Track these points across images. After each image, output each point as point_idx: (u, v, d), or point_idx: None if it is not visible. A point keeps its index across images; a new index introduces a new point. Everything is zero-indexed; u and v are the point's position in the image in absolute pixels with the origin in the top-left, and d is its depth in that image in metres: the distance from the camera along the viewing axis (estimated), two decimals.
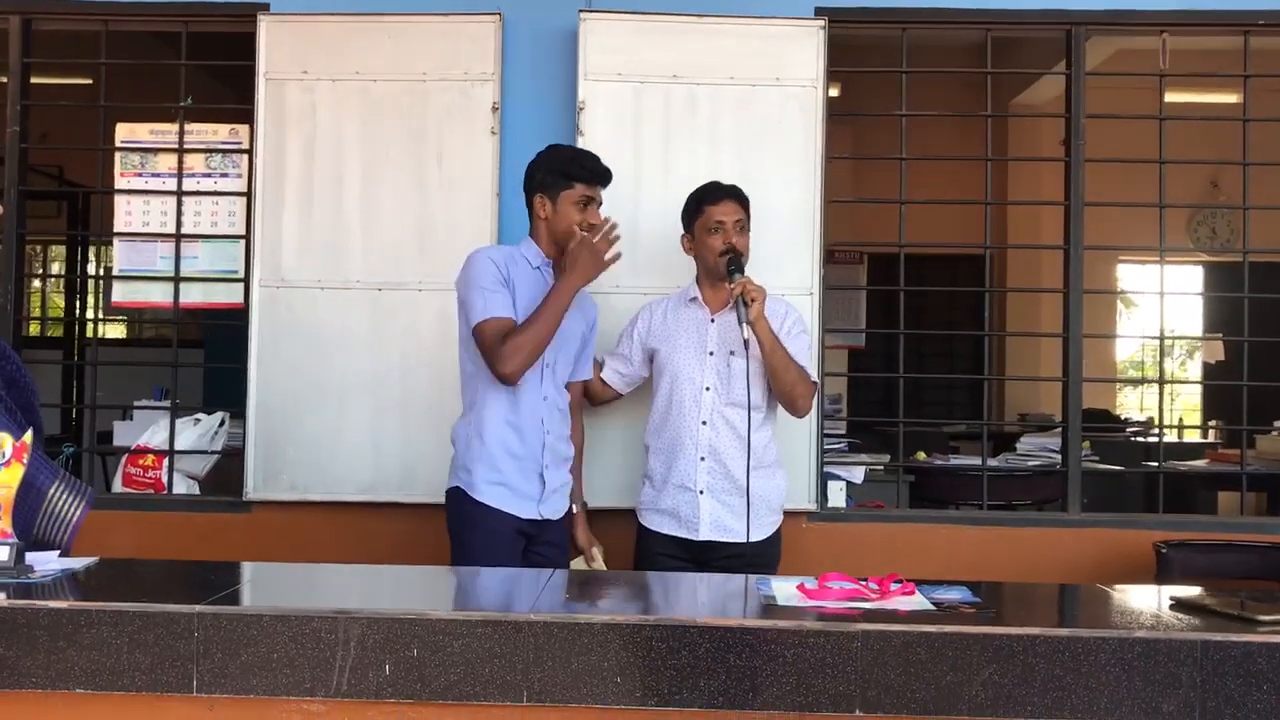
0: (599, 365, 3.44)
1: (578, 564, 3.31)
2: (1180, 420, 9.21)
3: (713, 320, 3.31)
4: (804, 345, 3.32)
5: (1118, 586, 2.23)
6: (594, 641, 1.75)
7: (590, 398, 3.46)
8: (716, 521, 3.22)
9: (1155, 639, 1.74)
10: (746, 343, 3.08)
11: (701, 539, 3.22)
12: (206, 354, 5.90)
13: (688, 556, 3.23)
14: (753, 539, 3.16)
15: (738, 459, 3.18)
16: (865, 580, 1.99)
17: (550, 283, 3.10)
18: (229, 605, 1.79)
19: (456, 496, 3.09)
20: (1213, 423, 7.53)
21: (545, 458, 3.10)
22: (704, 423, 3.24)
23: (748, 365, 3.13)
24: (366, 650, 1.75)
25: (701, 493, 3.23)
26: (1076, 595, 2.32)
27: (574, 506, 3.29)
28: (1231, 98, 6.86)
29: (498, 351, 2.94)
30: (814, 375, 3.37)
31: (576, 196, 3.10)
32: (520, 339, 2.95)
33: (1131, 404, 11.41)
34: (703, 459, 3.24)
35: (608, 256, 3.05)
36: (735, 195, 3.32)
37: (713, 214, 3.28)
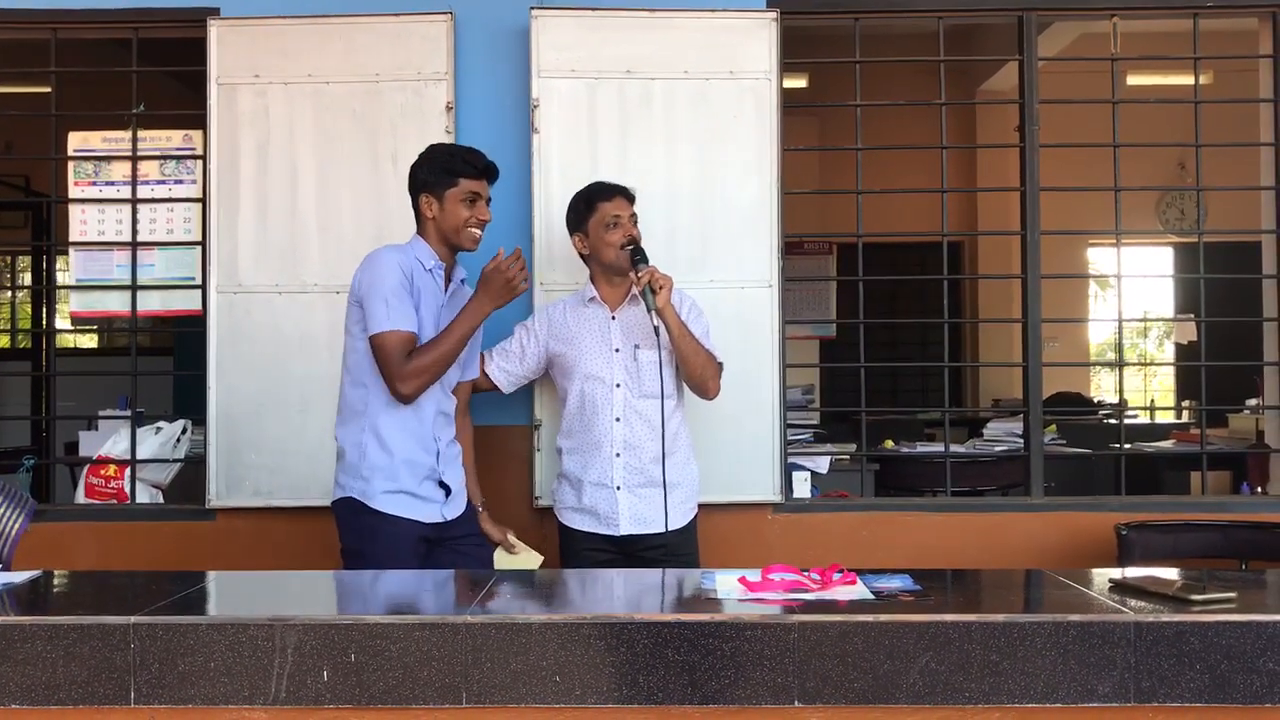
0: (483, 360, 3.40)
1: (500, 555, 3.27)
2: (1152, 402, 9.25)
3: (613, 317, 3.32)
4: (703, 328, 3.32)
5: (1067, 571, 2.24)
6: (532, 641, 1.76)
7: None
8: (635, 515, 3.23)
9: (1089, 622, 1.75)
10: (656, 329, 3.10)
11: (622, 533, 3.24)
12: (175, 362, 5.87)
13: (612, 550, 3.25)
14: (672, 527, 3.20)
15: (652, 450, 3.22)
16: (807, 571, 1.99)
17: (440, 289, 3.06)
18: (165, 615, 1.78)
19: (350, 507, 2.96)
20: (1184, 404, 7.57)
21: (441, 464, 3.05)
22: (617, 419, 3.25)
23: (659, 355, 3.19)
24: (304, 656, 1.74)
25: (619, 489, 3.25)
26: (1020, 580, 2.34)
27: (478, 506, 3.26)
28: (1187, 79, 6.94)
29: (400, 369, 2.86)
30: (719, 357, 3.34)
31: (463, 193, 3.02)
32: (424, 361, 2.89)
33: (1107, 386, 11.49)
34: (618, 455, 3.25)
35: (520, 285, 2.99)
36: (624, 192, 3.33)
37: (607, 210, 3.28)
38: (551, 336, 3.37)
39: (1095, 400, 8.03)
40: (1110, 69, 4.02)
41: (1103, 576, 2.12)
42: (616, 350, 3.28)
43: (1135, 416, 7.51)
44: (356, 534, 2.95)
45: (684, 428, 3.37)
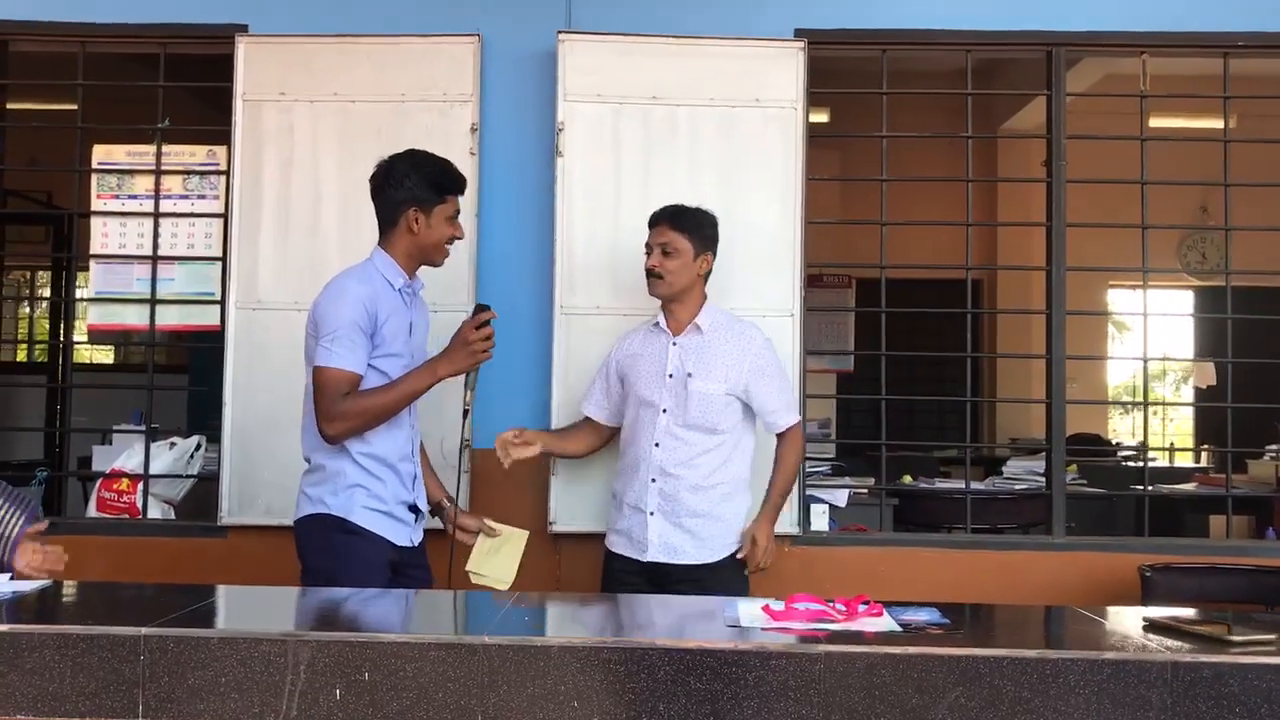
0: (578, 427, 3.46)
1: (483, 542, 3.16)
2: (1171, 445, 9.16)
3: (674, 343, 3.29)
4: (775, 386, 3.30)
5: (1094, 609, 2.18)
6: (550, 665, 1.71)
7: (594, 448, 3.47)
8: (665, 543, 3.19)
9: (1125, 660, 1.70)
10: None
11: (649, 559, 3.19)
12: (191, 377, 5.86)
13: (641, 577, 3.21)
14: (702, 561, 3.16)
15: (690, 480, 3.19)
16: (832, 601, 1.95)
17: (407, 305, 2.92)
18: (176, 628, 1.74)
19: (322, 524, 2.82)
20: (1203, 447, 7.49)
21: (415, 488, 2.99)
22: (656, 444, 3.22)
23: (717, 388, 3.19)
24: (317, 674, 1.70)
25: (651, 514, 3.21)
26: (1049, 617, 2.28)
27: (444, 501, 3.12)
28: (1218, 122, 6.92)
29: (331, 409, 2.73)
30: (794, 412, 3.36)
31: (450, 210, 2.92)
32: (358, 405, 2.75)
33: (1123, 429, 11.39)
34: (653, 480, 3.22)
35: (481, 356, 2.87)
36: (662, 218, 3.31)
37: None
38: (620, 362, 3.38)
39: (1114, 442, 7.95)
40: (1139, 105, 3.99)
41: (1134, 614, 2.06)
42: (670, 376, 3.26)
43: (1155, 459, 7.43)
44: (328, 553, 2.81)
45: (734, 464, 3.29)
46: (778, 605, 1.93)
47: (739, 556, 3.21)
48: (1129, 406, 11.57)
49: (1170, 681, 1.67)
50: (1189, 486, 5.54)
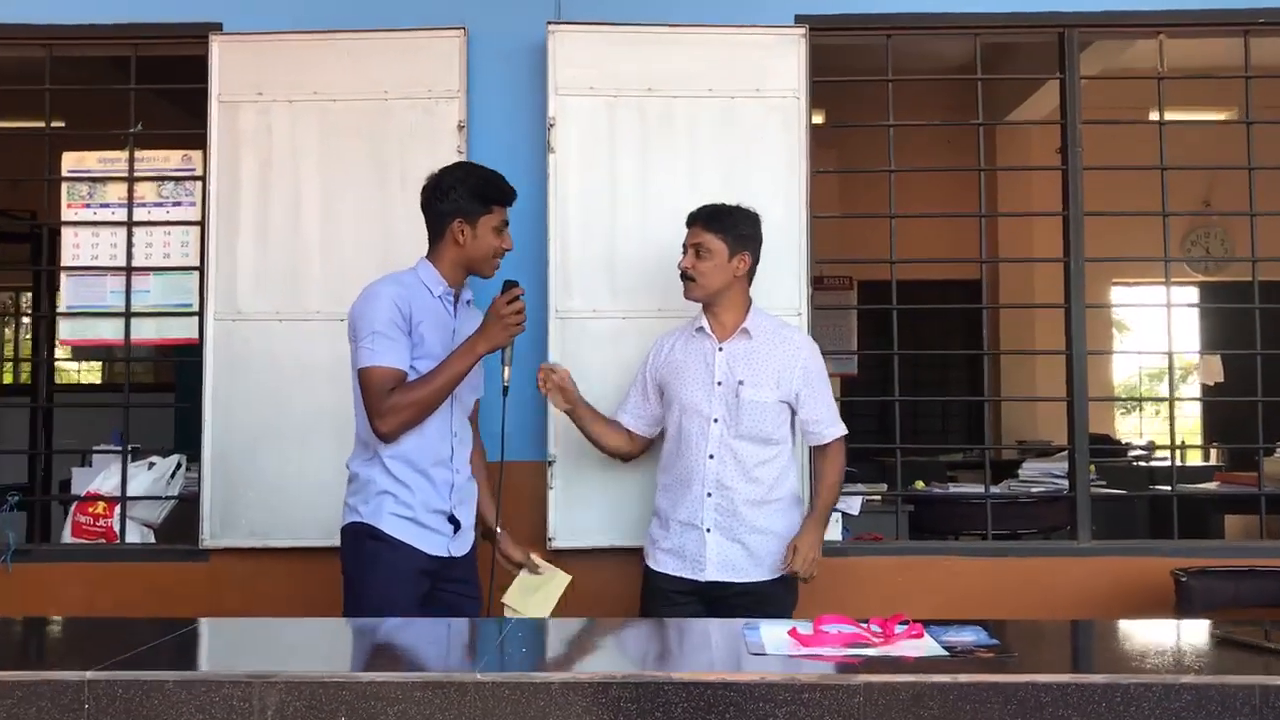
0: (616, 421, 3.24)
1: (523, 579, 3.06)
2: (1183, 442, 8.98)
3: (720, 349, 3.10)
4: (824, 396, 3.15)
5: (1147, 622, 1.99)
6: (552, 704, 1.51)
7: (621, 452, 3.26)
8: (724, 560, 3.02)
9: (1205, 685, 1.50)
10: None
11: (707, 579, 3.02)
12: (177, 394, 5.67)
13: (695, 596, 3.04)
14: (760, 579, 3.01)
15: (746, 493, 3.03)
16: (866, 622, 1.75)
17: (450, 313, 2.90)
18: (126, 671, 1.54)
19: (354, 533, 2.80)
20: (1217, 443, 7.31)
21: (454, 497, 2.87)
22: (711, 456, 3.04)
23: (769, 396, 3.04)
24: (286, 719, 1.50)
25: (709, 530, 3.03)
26: (1105, 633, 2.06)
27: (497, 529, 3.05)
28: (1223, 115, 6.77)
29: (380, 405, 2.72)
30: (840, 424, 3.20)
31: (496, 221, 2.88)
32: (406, 398, 2.73)
33: (1129, 429, 11.20)
34: (709, 494, 3.04)
35: (514, 328, 2.82)
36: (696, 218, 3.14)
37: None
38: (659, 368, 3.19)
39: (1123, 442, 7.78)
40: (1146, 93, 3.82)
41: (1201, 629, 1.86)
42: (719, 384, 3.07)
43: (1166, 458, 7.24)
44: (358, 561, 2.79)
45: (789, 476, 3.15)
46: (805, 628, 1.73)
47: (785, 570, 3.03)
48: (1129, 404, 11.46)
49: (1259, 707, 1.47)
50: (1211, 485, 5.34)
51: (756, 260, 3.14)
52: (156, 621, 2.05)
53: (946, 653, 1.65)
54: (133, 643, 1.80)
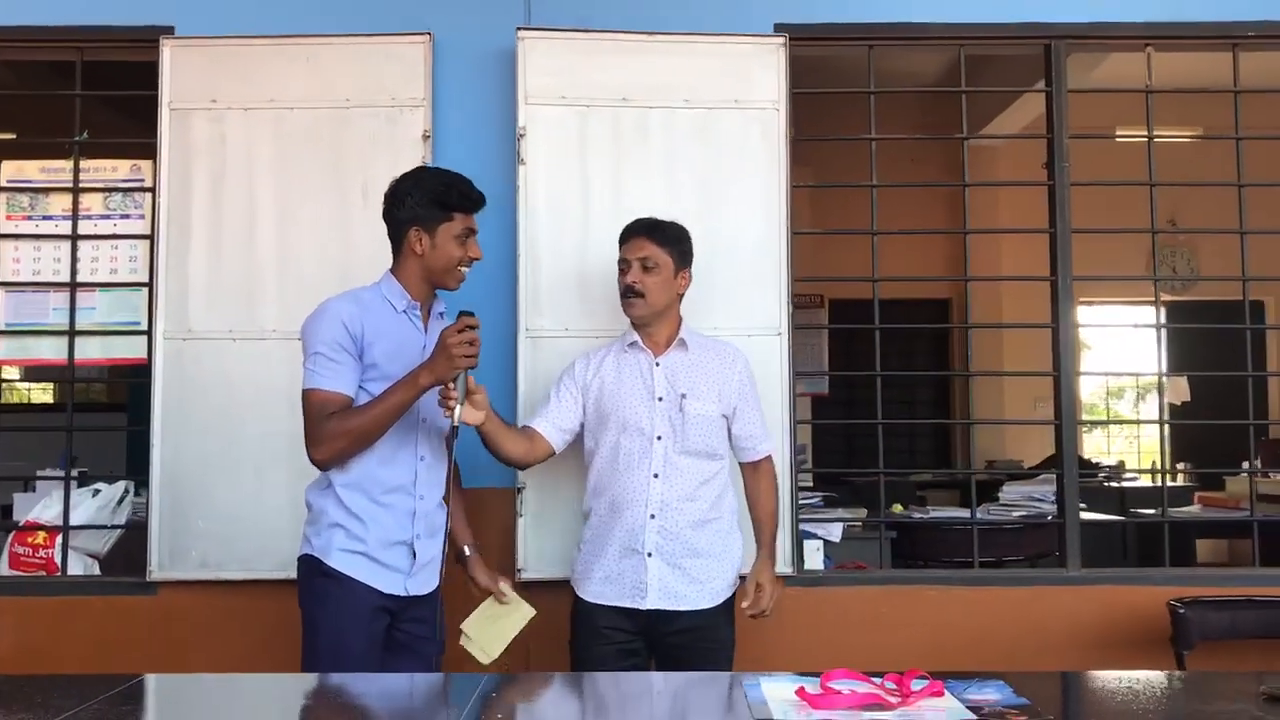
0: (534, 427, 2.99)
1: (487, 606, 2.89)
2: (1154, 464, 8.94)
3: (657, 363, 2.95)
4: (757, 409, 3.04)
5: (1181, 675, 1.84)
6: None
7: (515, 460, 2.96)
8: (665, 587, 2.84)
9: None
10: None
11: (648, 607, 2.84)
12: (129, 416, 5.41)
13: (635, 630, 2.86)
14: (700, 607, 2.85)
15: (689, 515, 2.87)
16: (880, 678, 1.59)
17: (419, 329, 2.72)
18: None
19: (308, 566, 2.65)
20: (1188, 466, 7.25)
21: (417, 527, 2.68)
22: (655, 475, 2.87)
23: (711, 408, 2.90)
24: None
25: (649, 555, 2.85)
26: (1142, 688, 1.86)
27: (466, 549, 2.89)
28: (1188, 132, 6.73)
29: (315, 431, 2.56)
30: (771, 439, 3.11)
31: (458, 229, 2.68)
32: (341, 426, 2.55)
33: (1094, 448, 11.16)
34: (652, 516, 2.86)
35: (461, 362, 2.53)
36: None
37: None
38: (589, 383, 2.99)
39: (1093, 462, 7.71)
40: (1140, 106, 3.73)
41: (1243, 684, 1.70)
42: (660, 399, 2.90)
43: (1137, 480, 7.18)
44: (311, 596, 2.64)
45: (730, 493, 3.00)
46: (813, 687, 1.57)
47: (744, 606, 2.87)
48: (1090, 425, 11.43)
49: None
50: (1195, 508, 5.26)
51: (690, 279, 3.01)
52: (93, 678, 1.83)
53: (973, 715, 1.49)
54: (63, 705, 1.60)
